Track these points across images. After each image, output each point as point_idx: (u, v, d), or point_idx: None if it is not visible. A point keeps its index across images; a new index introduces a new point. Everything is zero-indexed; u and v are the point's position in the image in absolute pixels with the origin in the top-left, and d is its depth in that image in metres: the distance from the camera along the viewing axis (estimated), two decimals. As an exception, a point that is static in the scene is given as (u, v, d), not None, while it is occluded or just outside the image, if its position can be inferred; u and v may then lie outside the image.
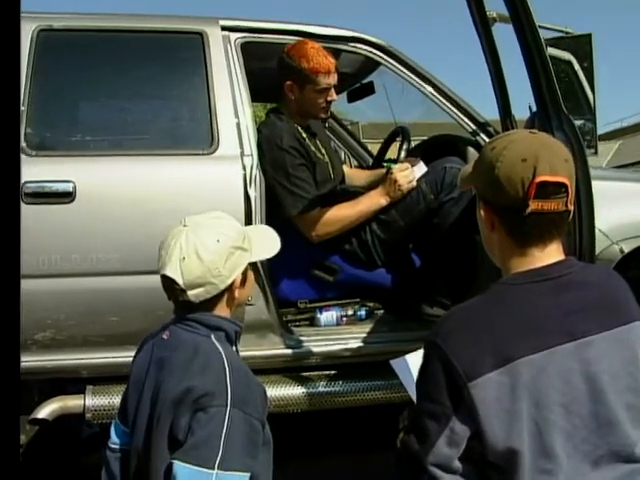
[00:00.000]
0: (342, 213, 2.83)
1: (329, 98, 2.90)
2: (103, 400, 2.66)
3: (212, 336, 1.68)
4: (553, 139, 1.54)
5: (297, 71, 2.83)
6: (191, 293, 1.65)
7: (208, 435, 1.50)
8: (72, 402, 2.67)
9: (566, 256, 1.49)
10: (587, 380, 1.38)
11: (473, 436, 1.37)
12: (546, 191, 1.38)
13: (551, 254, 1.46)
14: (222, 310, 1.73)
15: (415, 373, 1.74)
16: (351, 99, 3.90)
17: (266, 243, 1.85)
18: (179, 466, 1.49)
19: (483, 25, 2.65)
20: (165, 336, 1.74)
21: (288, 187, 2.78)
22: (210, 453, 1.48)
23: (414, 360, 1.85)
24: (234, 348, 1.77)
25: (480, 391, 1.33)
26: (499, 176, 1.41)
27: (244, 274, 1.73)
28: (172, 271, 1.63)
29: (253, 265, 1.86)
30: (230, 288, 1.70)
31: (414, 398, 1.67)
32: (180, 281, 1.63)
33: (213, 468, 1.47)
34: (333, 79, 2.87)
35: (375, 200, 2.86)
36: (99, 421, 2.68)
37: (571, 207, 1.43)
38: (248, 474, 1.53)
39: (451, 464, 1.38)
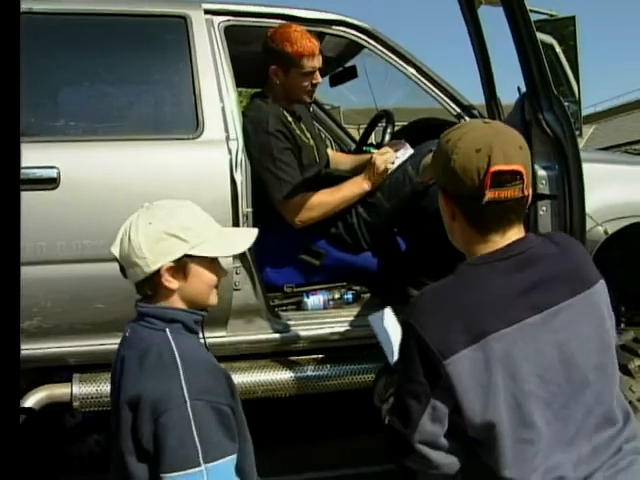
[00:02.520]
0: (325, 199, 2.81)
1: (314, 81, 2.89)
2: (90, 388, 2.64)
3: (167, 330, 1.64)
4: (508, 127, 1.57)
5: (281, 55, 2.81)
6: (127, 273, 1.68)
7: (179, 436, 1.47)
8: (59, 390, 2.65)
9: (527, 233, 1.55)
10: (558, 348, 1.43)
11: (453, 412, 1.42)
12: (501, 179, 1.43)
13: (511, 238, 1.51)
14: (165, 300, 1.68)
15: (390, 331, 1.83)
16: (333, 83, 3.88)
17: (227, 242, 1.76)
18: (169, 477, 1.46)
19: (469, 7, 2.65)
20: (127, 333, 1.73)
21: (273, 171, 2.76)
22: (190, 452, 1.46)
23: (391, 317, 1.93)
24: (199, 337, 1.74)
25: (455, 368, 1.38)
26: (455, 167, 1.45)
27: (183, 266, 1.66)
28: (114, 247, 1.69)
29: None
30: (157, 275, 1.64)
31: (388, 357, 1.78)
32: (118, 257, 1.68)
33: (200, 465, 1.45)
34: (318, 62, 2.85)
35: (358, 185, 2.85)
36: (87, 409, 2.67)
37: (527, 192, 1.47)
38: (234, 456, 1.53)
39: (437, 441, 1.44)
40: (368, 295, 3.08)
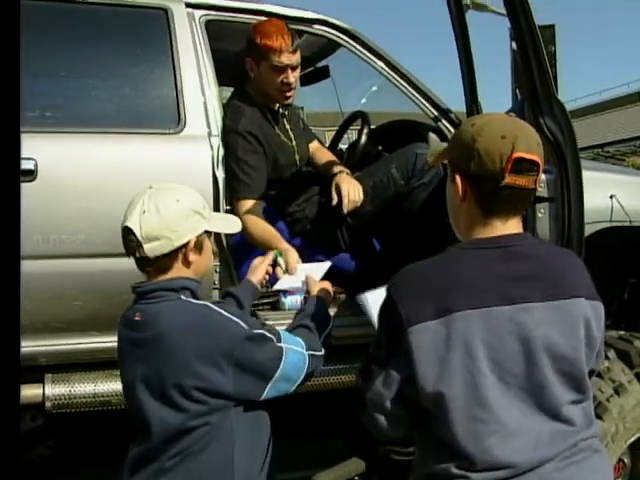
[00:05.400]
0: (253, 228, 2.60)
1: (285, 79, 2.78)
2: (63, 389, 2.56)
3: (182, 296, 1.79)
4: (527, 124, 1.64)
5: (253, 46, 2.76)
6: (147, 247, 1.74)
7: (263, 350, 1.78)
8: (31, 392, 2.54)
9: (525, 231, 1.61)
10: (522, 343, 1.48)
11: (407, 380, 1.49)
12: (521, 167, 1.51)
13: (510, 227, 1.57)
14: (179, 273, 1.81)
15: (375, 309, 1.89)
16: (304, 83, 3.84)
17: (226, 221, 2.04)
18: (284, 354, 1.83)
19: (457, 11, 2.67)
20: (137, 317, 1.78)
21: (235, 171, 2.68)
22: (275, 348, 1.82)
23: (374, 298, 2.09)
24: None
25: (417, 337, 1.46)
26: (479, 149, 1.51)
27: (200, 241, 1.83)
28: (132, 222, 1.75)
29: (218, 243, 2.07)
30: (184, 248, 1.79)
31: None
32: (138, 232, 1.74)
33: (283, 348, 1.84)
34: (287, 59, 2.74)
35: (274, 243, 2.54)
36: (59, 410, 2.57)
37: (537, 186, 1.58)
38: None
39: (383, 403, 1.54)
40: (344, 296, 3.05)
